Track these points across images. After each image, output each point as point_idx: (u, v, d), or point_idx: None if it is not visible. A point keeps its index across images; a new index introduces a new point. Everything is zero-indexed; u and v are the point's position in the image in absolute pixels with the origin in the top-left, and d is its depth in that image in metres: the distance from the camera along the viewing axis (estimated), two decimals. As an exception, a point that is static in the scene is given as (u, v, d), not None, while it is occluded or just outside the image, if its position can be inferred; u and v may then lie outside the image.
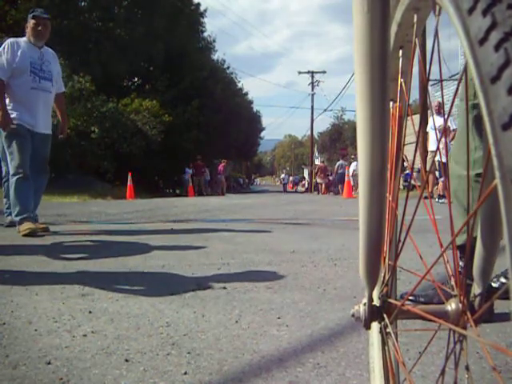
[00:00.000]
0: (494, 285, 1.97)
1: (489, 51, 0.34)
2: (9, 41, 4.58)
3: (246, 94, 41.07)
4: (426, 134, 10.83)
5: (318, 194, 24.18)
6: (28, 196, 4.49)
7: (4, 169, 4.80)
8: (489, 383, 1.25)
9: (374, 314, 0.70)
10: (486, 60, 0.34)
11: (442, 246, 0.73)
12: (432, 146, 10.07)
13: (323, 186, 24.01)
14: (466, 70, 0.44)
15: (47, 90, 4.69)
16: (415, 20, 0.68)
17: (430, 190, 9.64)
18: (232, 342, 1.63)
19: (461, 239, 1.56)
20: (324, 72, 47.09)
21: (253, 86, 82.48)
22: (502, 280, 1.98)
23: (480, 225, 0.62)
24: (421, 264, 1.66)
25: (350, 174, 16.75)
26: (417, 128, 0.68)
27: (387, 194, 0.65)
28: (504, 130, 0.33)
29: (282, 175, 53.43)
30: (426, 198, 0.70)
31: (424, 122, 12.13)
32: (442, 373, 0.64)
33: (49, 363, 1.44)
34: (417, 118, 12.77)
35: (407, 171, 11.93)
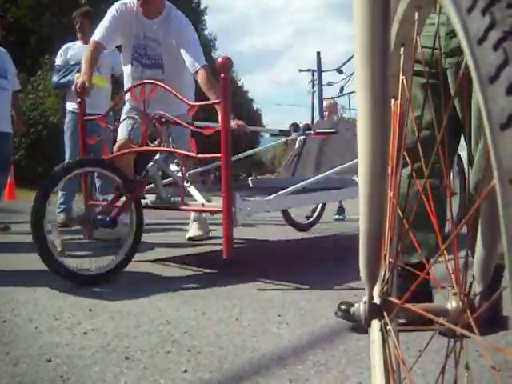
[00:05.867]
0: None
1: (488, 51, 0.34)
2: None
3: (247, 92, 41.04)
4: None
5: None
6: None
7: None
8: (489, 381, 1.25)
9: (375, 312, 0.70)
10: (484, 59, 0.34)
11: (442, 243, 0.73)
12: None
13: None
14: (465, 68, 0.43)
15: (3, 88, 4.72)
16: (416, 18, 0.68)
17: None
18: (232, 340, 1.63)
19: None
20: (325, 70, 47.02)
21: (253, 84, 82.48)
22: None
23: (480, 223, 0.62)
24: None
25: None
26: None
27: (388, 191, 0.65)
28: (502, 130, 0.33)
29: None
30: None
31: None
32: (443, 371, 0.64)
33: (49, 361, 1.44)
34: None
35: None
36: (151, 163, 2.78)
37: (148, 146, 2.71)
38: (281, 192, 2.77)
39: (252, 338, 1.65)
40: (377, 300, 0.71)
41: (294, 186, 2.84)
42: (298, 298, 2.15)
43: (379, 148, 0.57)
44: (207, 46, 30.71)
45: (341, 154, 3.58)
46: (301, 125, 3.93)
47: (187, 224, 4.73)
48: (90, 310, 1.97)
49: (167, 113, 2.75)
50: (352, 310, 0.72)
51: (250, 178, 4.10)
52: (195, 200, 2.72)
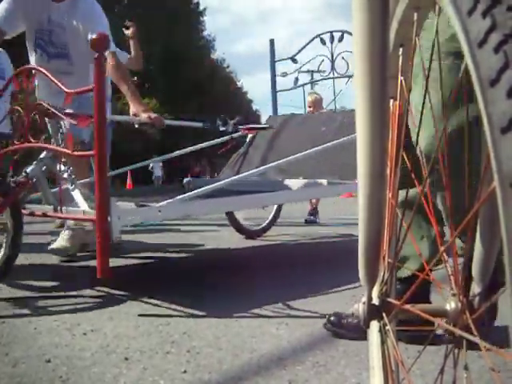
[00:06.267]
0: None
1: (488, 53, 0.34)
2: None
3: (246, 92, 41.02)
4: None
5: None
6: None
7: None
8: (488, 382, 1.25)
9: (374, 312, 0.70)
10: (485, 62, 0.34)
11: (441, 244, 0.73)
12: None
13: None
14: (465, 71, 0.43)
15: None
16: (415, 18, 0.68)
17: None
18: (231, 341, 1.63)
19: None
20: (323, 71, 47.09)
21: (252, 85, 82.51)
22: None
23: (480, 223, 0.62)
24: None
25: None
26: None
27: (387, 192, 0.65)
28: (503, 133, 0.33)
29: None
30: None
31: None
32: (441, 372, 0.64)
33: (49, 361, 1.44)
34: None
35: None
36: (35, 162, 2.44)
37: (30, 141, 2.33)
38: (178, 197, 2.29)
39: (251, 338, 1.65)
40: (376, 301, 0.71)
41: (196, 191, 2.38)
42: (297, 299, 2.15)
43: (378, 148, 0.57)
44: (206, 47, 30.73)
45: (287, 153, 2.94)
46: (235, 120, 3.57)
47: (186, 225, 4.72)
48: (90, 310, 1.97)
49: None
50: (351, 310, 0.72)
51: (186, 180, 3.54)
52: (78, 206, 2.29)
